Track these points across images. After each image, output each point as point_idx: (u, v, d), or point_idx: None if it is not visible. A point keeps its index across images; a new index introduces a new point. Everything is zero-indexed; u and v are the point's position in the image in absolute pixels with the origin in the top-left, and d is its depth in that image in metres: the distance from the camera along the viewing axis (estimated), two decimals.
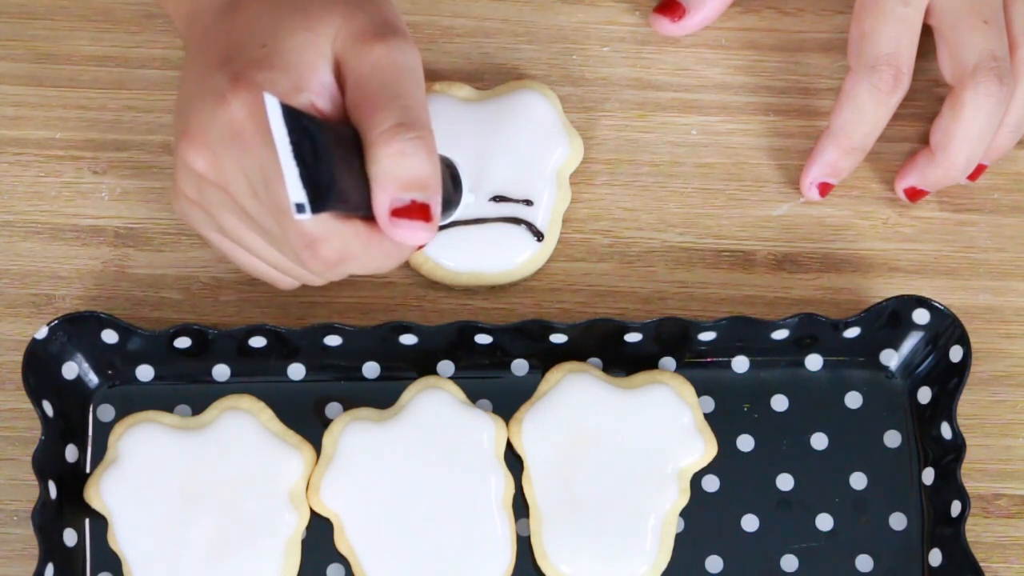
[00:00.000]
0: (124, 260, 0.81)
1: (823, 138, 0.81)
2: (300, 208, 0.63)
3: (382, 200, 0.67)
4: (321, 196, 0.63)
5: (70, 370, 0.78)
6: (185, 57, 0.73)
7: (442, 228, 0.80)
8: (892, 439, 0.79)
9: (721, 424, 0.78)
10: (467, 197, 0.76)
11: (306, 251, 0.67)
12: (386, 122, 0.67)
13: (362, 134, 0.67)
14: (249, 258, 0.73)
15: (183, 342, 0.78)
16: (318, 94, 0.68)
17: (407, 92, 0.68)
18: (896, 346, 0.80)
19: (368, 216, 0.67)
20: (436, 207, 0.67)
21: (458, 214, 0.80)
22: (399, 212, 0.67)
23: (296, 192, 0.63)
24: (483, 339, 0.78)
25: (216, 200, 0.70)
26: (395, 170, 0.66)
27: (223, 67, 0.68)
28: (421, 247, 0.72)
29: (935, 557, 0.77)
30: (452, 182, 0.73)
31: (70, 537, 0.76)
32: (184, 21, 0.74)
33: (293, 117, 0.63)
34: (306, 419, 0.78)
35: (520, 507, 0.77)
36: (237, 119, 0.67)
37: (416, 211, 0.67)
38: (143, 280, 0.81)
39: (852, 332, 0.79)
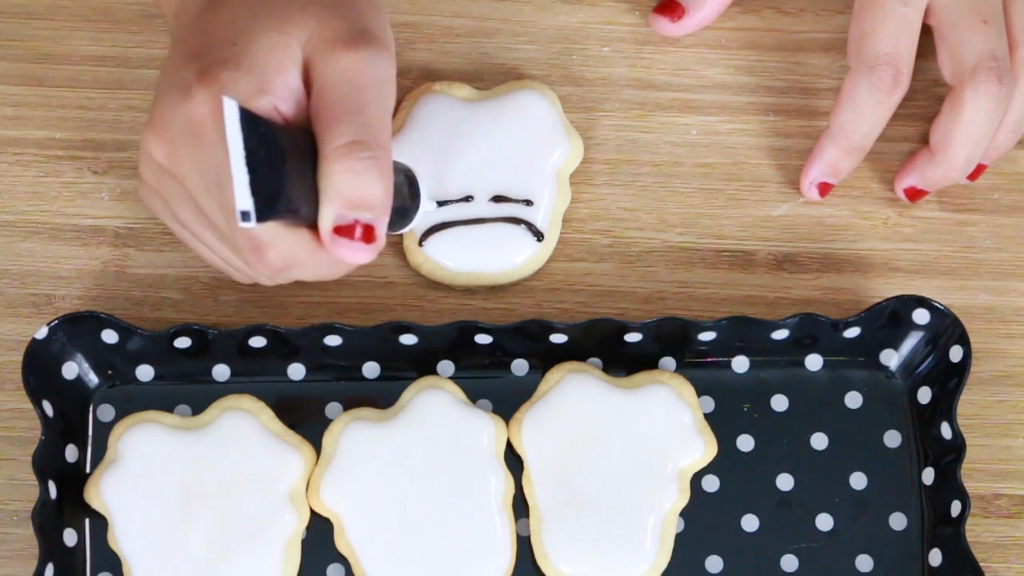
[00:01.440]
0: (124, 260, 0.81)
1: (823, 138, 0.81)
2: (245, 216, 0.63)
3: (326, 216, 0.67)
4: (268, 205, 0.63)
5: (70, 370, 0.78)
6: (170, 47, 0.74)
7: (439, 227, 0.80)
8: (892, 439, 0.79)
9: (721, 424, 0.78)
10: (427, 204, 0.76)
11: (252, 255, 0.67)
12: (342, 137, 0.66)
13: (318, 146, 0.67)
14: (204, 250, 0.73)
15: (183, 342, 0.78)
16: (282, 97, 0.68)
17: (369, 108, 0.67)
18: (896, 346, 0.80)
19: (316, 225, 0.67)
20: (381, 228, 0.67)
21: (458, 214, 0.80)
22: (341, 231, 0.67)
23: (243, 200, 0.63)
24: (483, 339, 0.78)
25: (173, 191, 0.70)
26: (343, 188, 0.66)
27: (192, 62, 0.68)
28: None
29: (935, 557, 0.77)
30: (410, 191, 0.73)
31: (70, 537, 0.76)
32: (172, 14, 0.74)
33: (251, 122, 0.63)
34: (306, 419, 0.78)
35: (520, 507, 0.77)
36: (198, 115, 0.67)
37: (359, 232, 0.67)
38: (143, 280, 0.81)
39: (852, 332, 0.79)
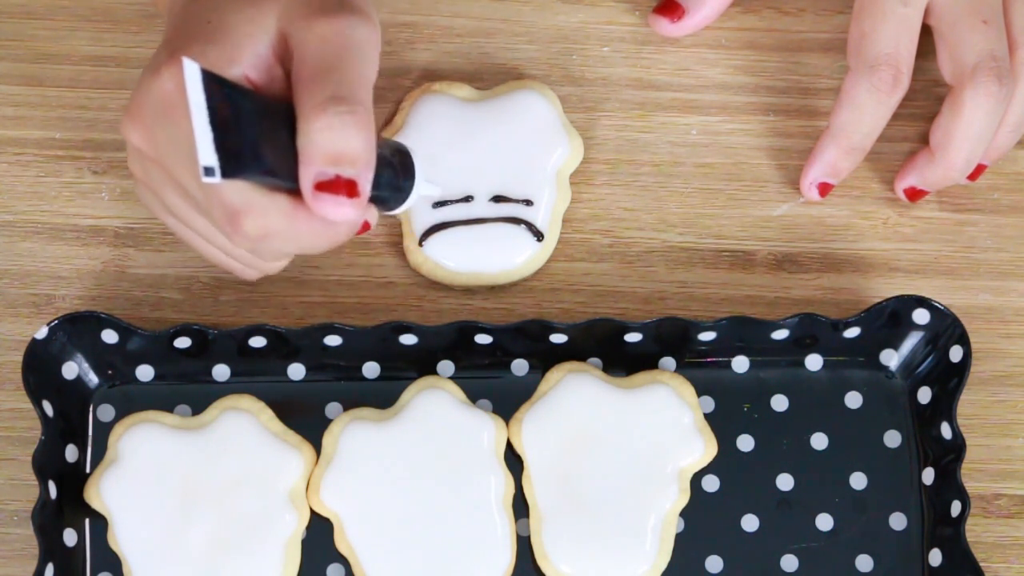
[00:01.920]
0: (124, 260, 0.81)
1: (823, 138, 0.81)
2: (209, 171, 0.62)
3: (306, 173, 0.65)
4: (235, 162, 0.62)
5: (70, 370, 0.78)
6: None
7: (439, 227, 0.80)
8: (892, 439, 0.79)
9: (721, 424, 0.78)
10: (428, 188, 0.74)
11: (228, 225, 0.66)
12: (319, 96, 0.65)
13: (297, 110, 0.66)
14: (203, 244, 0.72)
15: (183, 342, 0.78)
16: (253, 67, 0.67)
17: (347, 67, 0.66)
18: (896, 346, 0.80)
19: (297, 191, 0.66)
20: (364, 184, 0.66)
21: (458, 214, 0.80)
22: (322, 186, 0.65)
23: (206, 155, 0.62)
24: (483, 339, 0.78)
25: (157, 177, 0.69)
26: (322, 143, 0.65)
27: (167, 44, 0.68)
28: (363, 231, 0.71)
29: (935, 557, 0.77)
30: (404, 170, 0.72)
31: (70, 537, 0.76)
32: (166, 10, 0.74)
33: (216, 84, 0.62)
34: (306, 419, 0.78)
35: (520, 507, 0.77)
36: (166, 91, 0.66)
37: (341, 186, 0.65)
38: (143, 280, 0.81)
39: (852, 332, 0.79)
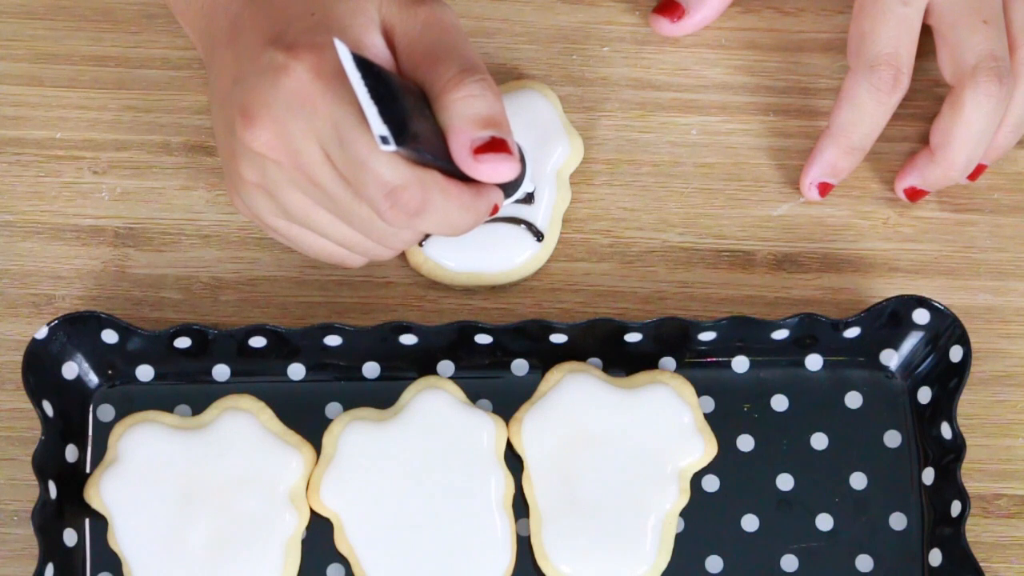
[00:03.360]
0: (124, 260, 0.81)
1: (823, 138, 0.81)
2: (385, 140, 0.64)
3: (461, 140, 0.68)
4: (401, 132, 0.64)
5: (70, 370, 0.78)
6: (207, 54, 0.74)
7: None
8: (892, 439, 0.79)
9: (721, 424, 0.78)
10: (527, 184, 0.76)
11: (386, 201, 0.68)
12: (450, 71, 0.68)
13: (427, 88, 0.68)
14: (315, 240, 0.74)
15: (183, 342, 0.78)
16: (373, 55, 0.69)
17: (461, 44, 0.70)
18: (896, 346, 0.80)
19: (442, 166, 0.68)
20: (512, 144, 0.69)
21: None
22: (481, 149, 0.68)
23: (379, 126, 0.64)
24: (483, 339, 0.78)
25: (281, 179, 0.70)
26: (468, 110, 0.68)
27: (274, 42, 0.69)
28: (494, 212, 0.72)
29: (935, 557, 0.77)
30: (520, 159, 0.74)
31: (70, 537, 0.76)
32: (199, 14, 0.74)
33: (362, 63, 0.64)
34: (306, 419, 0.78)
35: (520, 507, 0.77)
36: (303, 83, 0.68)
37: (497, 146, 0.68)
38: (143, 280, 0.81)
39: (852, 332, 0.79)
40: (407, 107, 0.66)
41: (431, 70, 0.69)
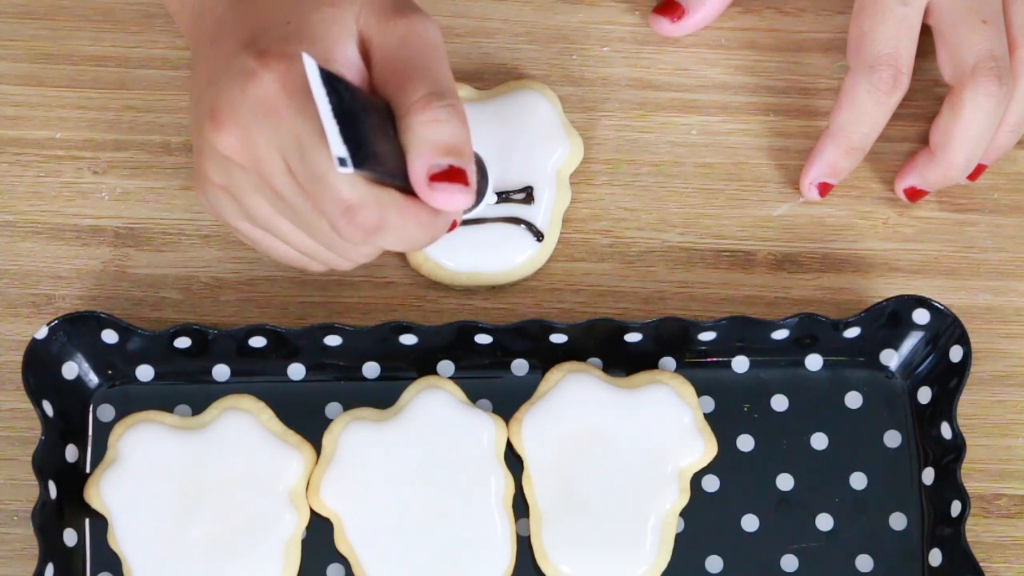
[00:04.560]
0: (124, 260, 0.81)
1: (822, 138, 0.81)
2: (343, 162, 0.63)
3: (419, 166, 0.67)
4: (360, 153, 0.64)
5: (70, 370, 0.78)
6: (193, 53, 0.74)
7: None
8: (892, 439, 0.79)
9: (721, 424, 0.78)
10: (489, 196, 0.76)
11: (343, 218, 0.67)
12: (418, 92, 0.67)
13: (394, 106, 0.68)
14: (278, 245, 0.73)
15: (183, 342, 0.78)
16: (345, 67, 0.69)
17: (435, 64, 0.69)
18: (896, 346, 0.80)
19: (401, 186, 0.68)
20: (471, 173, 0.68)
21: None
22: (437, 177, 0.67)
23: (338, 146, 0.63)
24: (483, 339, 0.78)
25: (245, 184, 0.70)
26: (431, 136, 0.67)
27: (248, 47, 0.69)
28: (452, 228, 0.72)
29: (935, 557, 0.77)
30: (481, 173, 0.74)
31: (70, 537, 0.76)
32: (190, 14, 0.74)
33: (328, 79, 0.64)
34: (306, 419, 0.78)
35: (520, 507, 0.77)
36: (270, 92, 0.67)
37: (453, 175, 0.67)
38: (143, 280, 0.81)
39: (852, 332, 0.79)
40: (370, 125, 0.65)
41: (400, 88, 0.68)
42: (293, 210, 0.69)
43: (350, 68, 0.69)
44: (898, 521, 0.78)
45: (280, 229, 0.71)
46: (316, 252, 0.72)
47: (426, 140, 0.67)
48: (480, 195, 0.74)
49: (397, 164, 0.67)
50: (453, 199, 0.67)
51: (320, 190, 0.67)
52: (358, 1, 0.70)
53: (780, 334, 0.79)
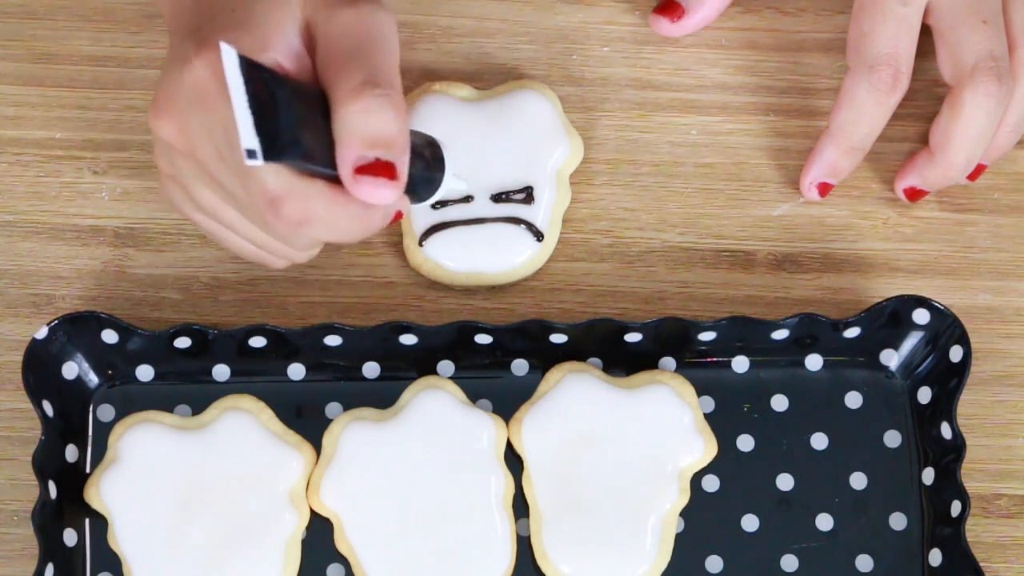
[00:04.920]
0: (124, 260, 0.81)
1: (822, 138, 0.81)
2: (251, 154, 0.62)
3: (346, 156, 0.66)
4: (276, 146, 0.62)
5: (70, 370, 0.78)
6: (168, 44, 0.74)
7: (439, 227, 0.80)
8: (892, 439, 0.79)
9: (721, 424, 0.78)
10: (457, 183, 0.75)
11: (269, 210, 0.66)
12: (352, 80, 0.66)
13: (329, 95, 0.66)
14: (232, 237, 0.73)
15: (183, 342, 0.78)
16: (284, 54, 0.68)
17: (376, 53, 0.67)
18: (896, 346, 0.80)
19: (335, 177, 0.66)
20: (402, 167, 0.66)
21: (458, 214, 0.80)
22: (363, 169, 0.66)
23: (248, 138, 0.62)
24: (483, 339, 0.78)
25: (188, 172, 0.69)
26: (359, 127, 0.65)
27: (192, 35, 0.68)
28: (396, 220, 0.71)
29: (935, 557, 0.77)
30: (435, 161, 0.72)
31: (70, 537, 0.76)
32: (170, 12, 0.74)
33: (253, 69, 0.63)
34: (306, 419, 0.78)
35: (520, 507, 0.77)
36: (200, 79, 0.67)
37: (380, 168, 0.66)
38: (143, 280, 0.81)
39: (852, 332, 0.79)
40: (298, 116, 0.64)
41: (336, 76, 0.66)
42: (233, 198, 0.69)
43: (288, 56, 0.68)
44: (898, 521, 0.78)
45: (228, 219, 0.71)
46: (266, 243, 0.72)
47: (354, 130, 0.65)
48: (434, 183, 0.72)
49: (328, 155, 0.66)
50: (378, 192, 0.66)
51: (248, 181, 0.66)
52: None
53: (780, 334, 0.79)
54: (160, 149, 0.70)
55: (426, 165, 0.71)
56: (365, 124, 0.65)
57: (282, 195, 0.66)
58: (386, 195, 0.66)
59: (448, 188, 0.73)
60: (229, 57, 0.62)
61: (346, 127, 0.66)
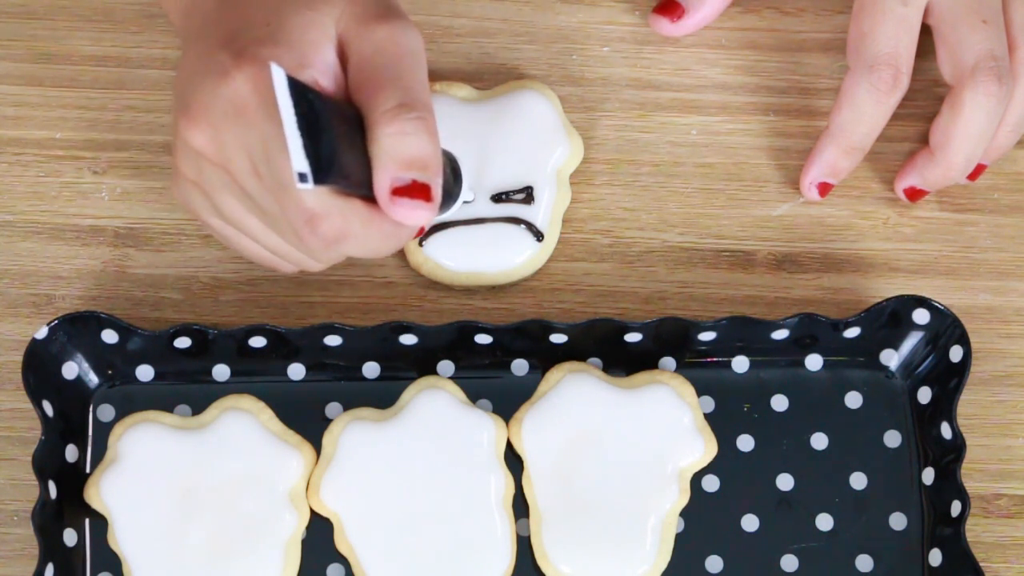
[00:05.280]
0: (124, 260, 0.81)
1: (822, 138, 0.81)
2: (303, 178, 0.63)
3: (383, 179, 0.67)
4: (323, 168, 0.63)
5: (70, 370, 0.78)
6: (183, 47, 0.74)
7: (439, 227, 0.80)
8: (892, 439, 0.79)
9: (721, 424, 0.78)
10: (467, 194, 0.76)
11: (306, 227, 0.67)
12: (388, 102, 0.67)
13: (364, 114, 0.67)
14: (248, 243, 0.73)
15: (183, 342, 0.78)
16: (321, 72, 0.68)
17: (409, 74, 0.68)
18: (896, 346, 0.80)
19: (368, 196, 0.67)
20: (437, 188, 0.67)
21: (458, 214, 0.80)
22: (400, 191, 0.67)
23: (299, 161, 0.63)
24: (483, 339, 0.79)
25: (216, 181, 0.69)
26: (396, 149, 0.66)
27: (226, 46, 0.68)
28: (420, 234, 0.72)
29: (935, 557, 0.77)
30: (452, 175, 0.73)
31: (70, 537, 0.76)
32: (181, 13, 0.74)
33: (298, 89, 0.63)
34: (306, 419, 0.78)
35: (520, 507, 0.77)
36: (241, 94, 0.67)
37: (417, 191, 0.67)
38: (143, 280, 0.81)
39: (852, 332, 0.79)
40: (338, 136, 0.65)
41: (372, 96, 0.67)
42: (261, 210, 0.69)
43: (325, 74, 0.68)
44: (898, 521, 0.78)
45: (250, 228, 0.71)
46: (286, 252, 0.72)
47: (391, 153, 0.66)
48: (453, 197, 0.74)
49: (364, 174, 0.67)
50: (414, 214, 0.67)
51: (284, 197, 0.67)
52: (339, 5, 0.69)
53: (780, 334, 0.79)
54: (186, 154, 0.70)
55: (447, 182, 0.72)
56: (402, 147, 0.67)
57: (321, 213, 0.67)
58: (422, 216, 0.67)
59: (462, 200, 0.74)
60: (279, 78, 0.62)
61: (383, 149, 0.67)
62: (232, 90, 0.67)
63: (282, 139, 0.64)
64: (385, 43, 0.69)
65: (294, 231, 0.68)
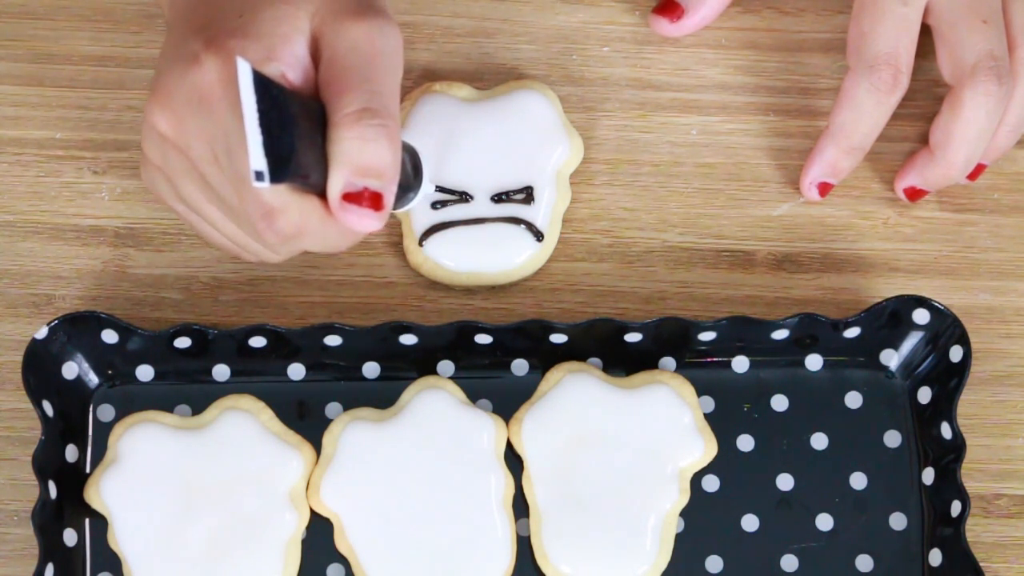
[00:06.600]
0: (124, 260, 0.81)
1: (822, 138, 0.81)
2: (259, 176, 0.62)
3: (336, 183, 0.66)
4: (281, 166, 0.63)
5: (70, 370, 0.78)
6: (166, 34, 0.74)
7: (439, 227, 0.80)
8: (892, 439, 0.79)
9: (721, 424, 0.78)
10: (427, 187, 0.75)
11: (262, 222, 0.67)
12: (353, 104, 0.66)
13: (328, 114, 0.67)
14: (210, 230, 0.73)
15: (183, 342, 0.78)
16: (290, 65, 0.68)
17: (379, 77, 0.68)
18: (896, 346, 0.80)
19: (324, 193, 0.67)
20: (389, 196, 0.67)
21: (458, 214, 0.80)
22: (350, 197, 0.66)
23: (257, 159, 0.62)
24: (483, 339, 0.78)
25: (178, 166, 0.69)
26: (353, 154, 0.66)
27: (198, 33, 0.68)
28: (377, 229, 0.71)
29: (935, 557, 0.77)
30: (413, 170, 0.72)
31: (70, 537, 0.76)
32: (169, 5, 0.74)
33: (263, 84, 0.63)
34: (306, 419, 0.78)
35: (520, 507, 0.77)
36: (206, 82, 0.67)
37: (367, 199, 0.67)
38: (143, 280, 0.81)
39: (852, 332, 0.79)
40: (298, 134, 0.64)
41: (338, 96, 0.67)
42: (221, 200, 0.69)
43: (294, 68, 0.68)
44: (898, 521, 0.78)
45: (210, 216, 0.71)
46: (245, 243, 0.72)
47: (348, 157, 0.66)
48: (412, 190, 0.73)
49: (323, 172, 0.67)
50: (361, 222, 0.67)
51: (243, 190, 0.67)
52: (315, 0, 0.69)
53: (780, 334, 0.79)
54: (151, 137, 0.70)
55: (405, 178, 0.71)
56: (359, 153, 0.66)
57: (278, 209, 0.67)
58: (369, 224, 0.67)
59: (423, 195, 0.73)
60: (244, 72, 0.62)
61: (340, 152, 0.66)
62: (199, 78, 0.67)
63: (243, 133, 0.64)
64: (360, 41, 0.68)
65: (251, 224, 0.68)
